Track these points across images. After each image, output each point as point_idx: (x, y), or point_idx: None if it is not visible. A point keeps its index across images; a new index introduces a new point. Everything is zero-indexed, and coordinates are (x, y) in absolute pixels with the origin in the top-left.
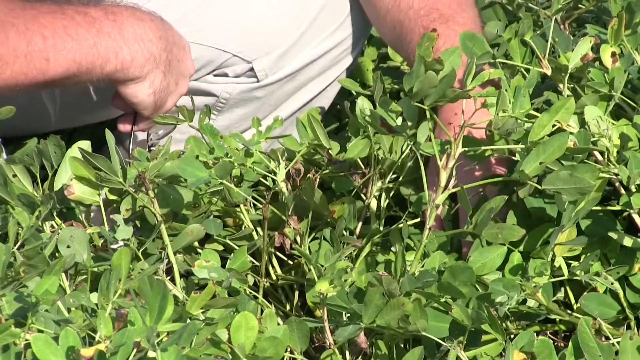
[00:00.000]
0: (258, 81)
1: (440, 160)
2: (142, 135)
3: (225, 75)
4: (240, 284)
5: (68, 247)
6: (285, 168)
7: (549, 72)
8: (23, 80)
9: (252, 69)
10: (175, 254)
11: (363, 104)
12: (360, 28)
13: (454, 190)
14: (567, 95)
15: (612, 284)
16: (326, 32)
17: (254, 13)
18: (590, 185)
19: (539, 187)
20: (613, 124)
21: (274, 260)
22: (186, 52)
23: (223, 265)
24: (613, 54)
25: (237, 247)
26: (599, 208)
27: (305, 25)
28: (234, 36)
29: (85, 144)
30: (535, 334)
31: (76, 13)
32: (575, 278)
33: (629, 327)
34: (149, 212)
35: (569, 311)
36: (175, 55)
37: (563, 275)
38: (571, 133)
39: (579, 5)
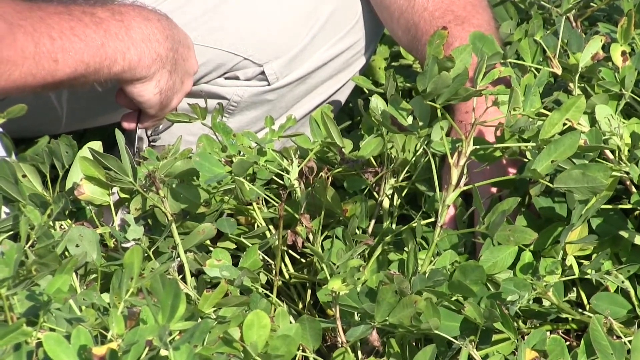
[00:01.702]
0: (269, 84)
1: (452, 158)
2: (140, 132)
3: (237, 78)
4: (252, 282)
5: (77, 246)
6: (298, 166)
7: (559, 71)
8: (32, 81)
9: (263, 72)
10: (186, 252)
11: (377, 103)
12: (372, 31)
13: (465, 188)
14: (578, 94)
15: (622, 282)
16: (338, 36)
17: (265, 16)
18: (602, 184)
19: (550, 185)
20: (624, 122)
21: (286, 259)
22: (191, 50)
23: (235, 264)
24: (623, 53)
25: (249, 245)
26: (609, 207)
27: (316, 29)
28: (245, 39)
29: (97, 145)
30: (547, 333)
31: (83, 14)
32: (586, 277)
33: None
34: (159, 211)
35: (581, 310)
36: (180, 54)
37: (574, 275)
38: (582, 132)
39: (591, 4)
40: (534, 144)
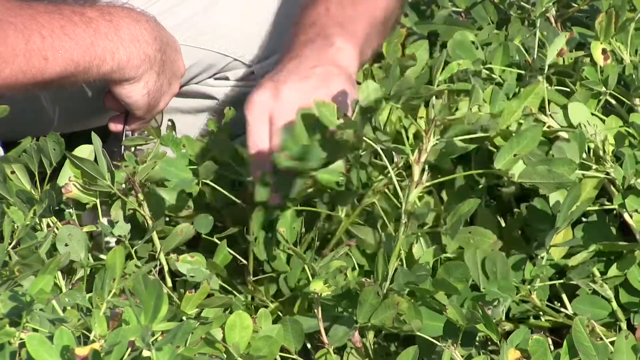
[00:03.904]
0: None
1: (413, 155)
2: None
3: (227, 79)
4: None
5: (66, 245)
6: None
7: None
8: (22, 79)
9: (253, 73)
10: (167, 254)
11: None
12: None
13: (427, 184)
14: (537, 82)
15: (604, 288)
16: None
17: (256, 17)
18: (568, 180)
19: (514, 181)
20: (602, 120)
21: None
22: (178, 53)
23: None
24: (604, 51)
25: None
26: (595, 208)
27: None
28: (235, 40)
29: (87, 149)
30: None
31: (73, 13)
32: (570, 283)
33: (620, 329)
34: (138, 214)
35: (562, 310)
36: (168, 56)
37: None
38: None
39: (572, 4)
40: (495, 133)
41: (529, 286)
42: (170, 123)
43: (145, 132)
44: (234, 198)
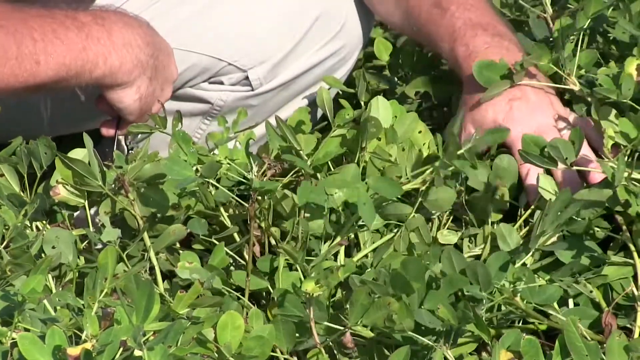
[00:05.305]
0: (252, 89)
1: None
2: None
3: (221, 83)
4: (223, 285)
5: (53, 247)
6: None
7: (576, 88)
8: (14, 82)
9: (247, 78)
10: (157, 254)
11: (323, 95)
12: (356, 38)
13: None
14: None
15: (591, 292)
16: (322, 42)
17: (250, 22)
18: None
19: None
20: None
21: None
22: (171, 57)
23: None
24: (638, 67)
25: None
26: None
27: (300, 35)
28: (230, 45)
29: (81, 152)
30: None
31: (65, 17)
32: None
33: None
34: (129, 214)
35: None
36: (161, 61)
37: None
38: None
39: (567, 5)
40: None
41: (512, 288)
42: (177, 114)
43: (138, 137)
44: (235, 198)
